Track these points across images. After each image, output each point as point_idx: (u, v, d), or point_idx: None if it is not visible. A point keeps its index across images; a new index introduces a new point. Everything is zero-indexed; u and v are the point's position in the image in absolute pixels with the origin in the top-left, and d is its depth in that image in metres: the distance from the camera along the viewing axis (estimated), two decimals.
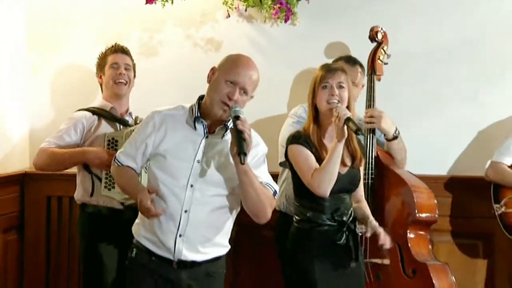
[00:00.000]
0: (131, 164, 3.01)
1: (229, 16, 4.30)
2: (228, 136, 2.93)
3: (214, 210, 2.95)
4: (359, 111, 3.74)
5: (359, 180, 3.36)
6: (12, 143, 4.45)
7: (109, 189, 3.59)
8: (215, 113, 2.92)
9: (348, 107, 3.22)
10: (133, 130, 3.27)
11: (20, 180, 4.47)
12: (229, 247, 3.05)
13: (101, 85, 3.93)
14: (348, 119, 3.14)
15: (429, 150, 4.18)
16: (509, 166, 3.90)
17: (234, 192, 2.94)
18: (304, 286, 3.24)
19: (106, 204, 3.67)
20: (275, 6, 4.18)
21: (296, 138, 3.27)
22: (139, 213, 3.03)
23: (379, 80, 3.89)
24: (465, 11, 4.20)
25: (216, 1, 4.30)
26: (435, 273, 3.58)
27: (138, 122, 3.73)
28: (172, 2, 4.20)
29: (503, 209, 3.87)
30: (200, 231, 2.93)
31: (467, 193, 4.16)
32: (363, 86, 3.90)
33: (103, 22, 4.43)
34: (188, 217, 2.90)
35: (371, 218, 3.33)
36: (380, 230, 3.26)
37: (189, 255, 2.93)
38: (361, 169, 3.40)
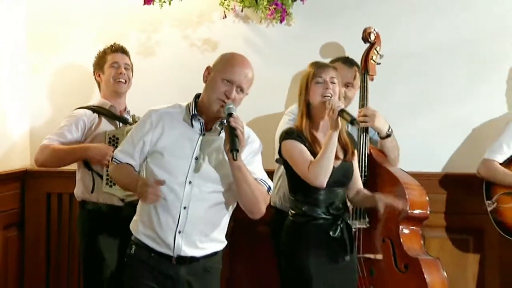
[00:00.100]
0: (130, 161, 3.03)
1: (225, 16, 4.31)
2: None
3: (212, 206, 2.99)
4: (353, 110, 3.75)
5: (352, 173, 3.40)
6: (13, 141, 4.46)
7: (110, 186, 3.63)
8: (213, 111, 2.97)
9: None
10: None
11: (20, 177, 4.49)
12: (226, 242, 3.09)
13: (99, 83, 3.95)
14: (342, 110, 3.22)
15: (424, 148, 4.22)
16: (500, 164, 3.93)
17: (231, 188, 2.98)
18: (299, 280, 3.27)
19: (106, 201, 3.71)
20: (270, 7, 4.20)
21: (289, 134, 3.32)
22: (137, 210, 3.08)
23: (372, 80, 3.92)
24: (458, 11, 4.23)
25: (213, 2, 4.31)
26: (426, 267, 3.61)
27: (136, 120, 3.77)
28: (169, 3, 4.22)
29: (494, 205, 3.91)
30: (198, 227, 2.96)
31: (460, 190, 4.20)
32: (358, 88, 3.93)
33: (103, 23, 4.44)
34: (187, 213, 2.93)
35: (376, 194, 3.38)
36: (388, 200, 3.33)
37: (188, 251, 2.96)
38: (355, 162, 3.45)
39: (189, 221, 2.93)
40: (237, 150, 2.81)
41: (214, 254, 3.05)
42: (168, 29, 4.45)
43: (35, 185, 4.51)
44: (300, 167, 3.25)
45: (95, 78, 3.96)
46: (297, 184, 3.33)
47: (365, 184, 3.70)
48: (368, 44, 3.96)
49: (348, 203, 3.46)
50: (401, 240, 3.66)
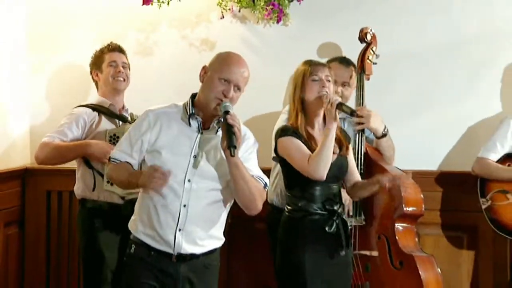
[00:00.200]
0: (129, 160, 3.02)
1: (223, 17, 4.33)
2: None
3: (210, 203, 3.00)
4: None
5: (347, 168, 3.41)
6: (13, 139, 4.47)
7: (112, 184, 3.62)
8: (210, 110, 2.98)
9: None
10: None
11: (21, 175, 4.50)
12: (224, 239, 3.11)
13: (96, 82, 3.95)
14: (340, 104, 3.26)
15: (420, 146, 4.25)
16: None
17: (228, 185, 3.00)
18: (295, 276, 3.29)
19: (107, 199, 3.72)
20: (267, 7, 4.22)
21: (285, 131, 3.34)
22: (136, 209, 3.08)
23: (368, 79, 3.93)
24: (453, 12, 4.24)
25: (211, 2, 4.33)
26: (421, 264, 3.63)
27: (134, 118, 3.78)
28: (168, 3, 4.24)
29: (488, 203, 3.93)
30: (198, 225, 2.98)
31: (455, 188, 4.22)
32: (354, 87, 3.94)
33: (102, 23, 4.46)
34: (187, 211, 2.94)
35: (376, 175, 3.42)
36: (389, 175, 3.37)
37: (188, 248, 2.97)
38: (350, 156, 3.46)
39: (189, 219, 2.95)
40: (235, 147, 2.83)
41: (213, 251, 3.06)
42: (166, 29, 4.47)
43: (35, 183, 4.52)
44: (299, 162, 3.26)
45: (93, 77, 3.96)
46: (293, 180, 3.36)
47: None
48: (364, 44, 3.97)
49: (343, 200, 3.48)
50: (396, 237, 3.68)
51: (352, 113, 3.28)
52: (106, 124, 3.82)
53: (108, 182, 3.67)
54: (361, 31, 3.97)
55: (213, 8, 4.35)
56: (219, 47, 4.28)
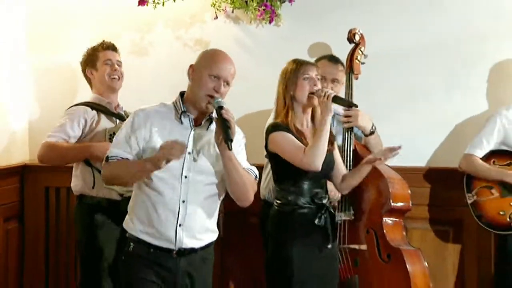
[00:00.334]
0: (128, 156, 3.00)
1: (216, 17, 4.37)
2: (213, 126, 3.02)
3: (207, 198, 3.04)
4: (339, 107, 3.82)
5: (334, 163, 3.45)
6: (13, 137, 4.49)
7: None
8: (201, 107, 3.01)
9: None
10: None
11: (20, 171, 4.53)
12: (218, 232, 3.15)
13: (90, 80, 3.94)
14: (336, 97, 3.32)
15: (408, 143, 4.07)
16: (480, 158, 3.97)
17: (223, 179, 3.04)
18: (284, 270, 3.32)
19: (105, 195, 3.72)
20: (260, 8, 4.26)
21: (276, 127, 3.36)
22: (130, 209, 3.09)
23: (356, 79, 3.95)
24: (440, 13, 4.26)
25: (205, 3, 4.36)
26: (408, 257, 3.64)
27: (128, 116, 3.80)
28: (163, 4, 4.27)
29: (474, 198, 3.95)
30: (197, 219, 3.01)
31: (443, 184, 4.23)
32: (343, 84, 3.96)
33: (101, 23, 4.47)
34: (186, 207, 2.97)
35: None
36: (368, 158, 3.40)
37: (189, 243, 2.99)
38: (336, 152, 3.50)
39: (189, 214, 2.98)
40: (231, 140, 2.86)
41: (210, 244, 3.10)
42: (161, 29, 4.49)
43: (34, 179, 4.54)
44: (294, 154, 3.28)
45: (86, 75, 3.94)
46: (283, 174, 3.39)
47: None
48: (353, 45, 3.99)
49: (331, 196, 3.53)
50: (384, 231, 3.70)
51: (350, 104, 3.34)
52: (105, 123, 3.82)
53: None
54: (350, 32, 3.99)
55: (207, 8, 4.38)
56: (213, 47, 4.07)
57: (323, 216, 3.36)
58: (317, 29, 4.35)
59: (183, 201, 2.97)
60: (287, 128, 3.34)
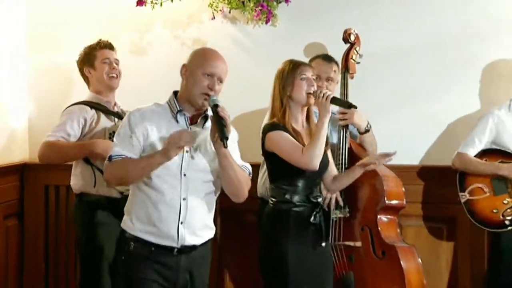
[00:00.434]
0: (132, 155, 2.97)
1: (214, 17, 4.38)
2: (209, 124, 3.01)
3: (206, 194, 3.05)
4: (334, 106, 3.84)
5: (328, 163, 3.47)
6: (13, 135, 4.49)
7: None
8: (197, 105, 3.01)
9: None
10: None
11: (20, 169, 4.53)
12: (214, 228, 3.16)
13: (87, 79, 3.91)
14: (335, 98, 3.37)
15: (402, 142, 4.24)
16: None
17: (218, 176, 3.05)
18: (279, 268, 3.33)
19: (106, 193, 3.71)
20: (256, 9, 4.27)
21: (274, 126, 3.37)
22: (128, 209, 3.06)
23: (352, 78, 3.96)
24: (433, 14, 4.27)
25: (202, 3, 4.37)
26: (402, 254, 3.66)
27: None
28: (161, 5, 4.28)
29: (467, 196, 3.97)
30: (197, 216, 3.02)
31: (436, 181, 4.25)
32: (337, 82, 3.98)
33: (101, 23, 4.46)
34: (186, 204, 2.97)
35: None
36: (363, 162, 3.45)
37: (190, 240, 3.00)
38: (329, 152, 3.52)
39: (189, 211, 2.98)
40: (227, 138, 2.87)
41: (208, 241, 3.11)
42: (159, 29, 4.49)
43: (34, 177, 4.55)
44: (292, 154, 3.29)
45: (84, 74, 3.91)
46: (280, 173, 3.40)
47: None
48: (348, 44, 4.00)
49: (324, 194, 3.55)
50: (379, 228, 3.72)
51: (350, 106, 3.38)
52: (104, 122, 3.81)
53: None
54: (345, 32, 4.01)
55: (204, 9, 4.39)
56: (210, 46, 4.08)
57: (318, 215, 3.38)
58: (313, 29, 4.37)
59: (184, 199, 2.97)
60: (284, 128, 3.36)
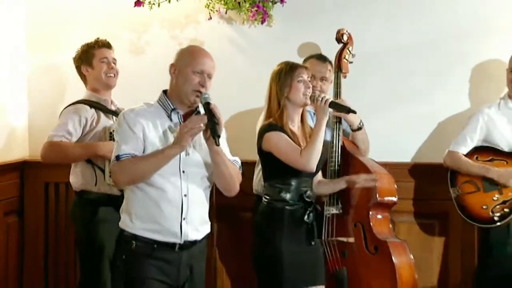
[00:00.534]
0: (137, 153, 2.94)
1: (210, 18, 4.39)
2: None
3: (203, 190, 3.07)
4: None
5: (322, 163, 3.50)
6: (13, 134, 4.49)
7: None
8: (190, 102, 3.02)
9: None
10: None
11: (20, 167, 4.53)
12: (209, 222, 3.17)
13: (84, 77, 3.89)
14: (333, 102, 3.41)
15: (394, 140, 4.31)
16: (464, 155, 4.01)
17: (211, 171, 3.07)
18: (272, 264, 3.36)
19: (106, 191, 3.71)
20: (252, 9, 4.29)
21: (272, 127, 3.39)
22: (126, 208, 3.03)
23: (345, 77, 3.97)
24: (424, 14, 4.30)
25: (199, 4, 4.38)
26: (394, 249, 3.68)
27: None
28: (158, 5, 4.28)
29: (458, 192, 3.99)
30: (198, 212, 3.04)
31: (427, 178, 4.27)
32: (331, 82, 4.00)
33: (99, 23, 4.46)
34: (188, 200, 2.98)
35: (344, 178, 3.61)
36: (350, 178, 3.57)
37: (192, 235, 3.01)
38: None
39: (191, 207, 3.00)
40: (219, 136, 2.88)
41: (206, 236, 3.13)
42: (157, 29, 4.50)
43: (34, 174, 4.55)
44: (290, 155, 3.33)
45: (81, 72, 3.89)
46: (274, 172, 3.44)
47: (338, 173, 3.79)
48: (341, 44, 4.02)
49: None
50: (371, 224, 3.73)
51: (349, 111, 3.41)
52: (104, 120, 3.80)
53: (110, 176, 3.50)
54: (338, 32, 4.02)
55: (201, 9, 4.40)
56: (207, 46, 4.09)
57: (311, 213, 3.42)
58: (308, 29, 4.39)
59: (185, 195, 2.99)
60: (282, 129, 3.39)
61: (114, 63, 3.91)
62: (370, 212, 3.76)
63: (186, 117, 3.06)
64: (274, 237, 3.38)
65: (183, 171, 3.00)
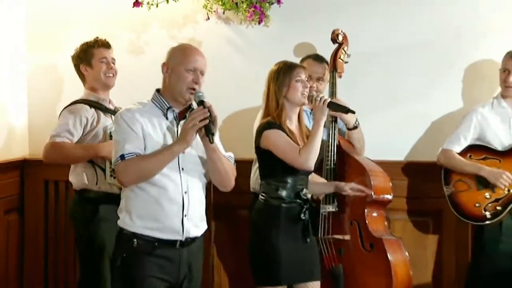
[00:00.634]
0: (140, 152, 2.93)
1: (208, 18, 4.39)
2: None
3: (201, 186, 3.09)
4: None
5: (317, 162, 3.49)
6: (13, 132, 4.50)
7: (115, 177, 3.29)
8: (184, 100, 3.02)
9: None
10: None
11: (20, 165, 4.53)
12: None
13: (83, 76, 3.86)
14: (332, 103, 3.43)
15: (388, 138, 4.32)
16: (458, 153, 4.02)
17: (208, 168, 3.08)
18: (269, 262, 3.37)
19: (107, 190, 3.71)
20: (249, 10, 4.30)
21: (271, 125, 3.40)
22: (126, 206, 3.02)
23: (340, 77, 3.97)
24: (418, 15, 4.30)
25: (197, 4, 4.38)
26: (390, 246, 3.70)
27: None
28: (156, 5, 4.29)
29: (451, 190, 4.01)
30: (197, 208, 3.05)
31: (421, 177, 4.27)
32: (327, 81, 4.00)
33: (99, 23, 4.45)
34: (188, 197, 2.99)
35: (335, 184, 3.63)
36: (339, 184, 3.58)
37: (193, 232, 3.02)
38: None
39: (191, 203, 3.01)
40: (213, 134, 2.90)
41: (205, 232, 3.13)
42: (156, 29, 4.51)
43: (33, 173, 4.54)
44: (289, 153, 3.34)
45: (80, 71, 3.87)
46: (271, 170, 3.44)
47: (334, 171, 3.81)
48: (336, 45, 4.02)
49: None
50: (367, 222, 3.75)
51: (348, 111, 3.42)
52: (103, 120, 3.78)
53: (111, 175, 3.64)
54: (333, 32, 4.03)
55: (199, 10, 4.40)
56: (205, 46, 4.30)
57: (307, 211, 3.43)
58: (304, 30, 4.39)
59: (185, 192, 2.99)
60: (281, 127, 3.40)
61: (113, 63, 3.90)
62: (366, 210, 3.77)
63: (181, 115, 3.06)
64: (270, 234, 3.39)
65: (182, 168, 3.00)
